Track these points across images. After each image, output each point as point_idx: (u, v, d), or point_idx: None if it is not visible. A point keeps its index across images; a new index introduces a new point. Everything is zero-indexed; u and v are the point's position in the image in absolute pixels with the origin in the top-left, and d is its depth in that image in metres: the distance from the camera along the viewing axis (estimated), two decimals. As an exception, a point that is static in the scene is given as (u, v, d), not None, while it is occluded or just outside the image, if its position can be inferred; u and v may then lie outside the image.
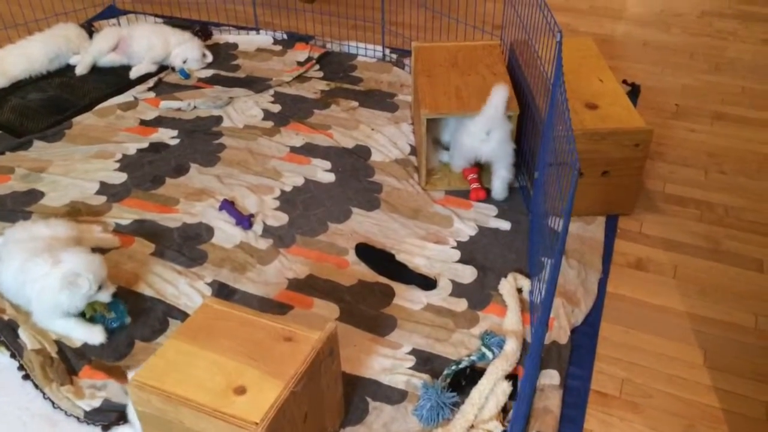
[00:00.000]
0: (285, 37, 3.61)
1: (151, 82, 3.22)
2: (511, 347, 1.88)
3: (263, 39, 3.61)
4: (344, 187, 2.56)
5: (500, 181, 2.43)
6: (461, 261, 2.23)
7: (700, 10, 3.91)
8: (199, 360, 1.50)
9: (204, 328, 1.58)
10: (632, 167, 2.30)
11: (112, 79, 3.25)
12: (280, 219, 2.41)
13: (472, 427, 1.71)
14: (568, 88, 2.37)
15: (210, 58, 3.39)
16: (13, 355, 1.90)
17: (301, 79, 3.26)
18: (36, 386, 1.82)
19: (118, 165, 2.68)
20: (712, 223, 2.40)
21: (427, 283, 2.14)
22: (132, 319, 2.02)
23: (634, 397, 1.83)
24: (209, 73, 3.31)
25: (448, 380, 1.81)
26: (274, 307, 2.07)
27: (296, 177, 2.61)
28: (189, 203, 2.48)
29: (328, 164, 2.68)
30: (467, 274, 2.18)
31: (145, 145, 2.79)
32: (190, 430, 1.43)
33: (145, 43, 3.29)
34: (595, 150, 2.24)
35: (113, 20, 3.74)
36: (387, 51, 3.43)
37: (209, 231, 2.35)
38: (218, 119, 2.96)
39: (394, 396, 1.81)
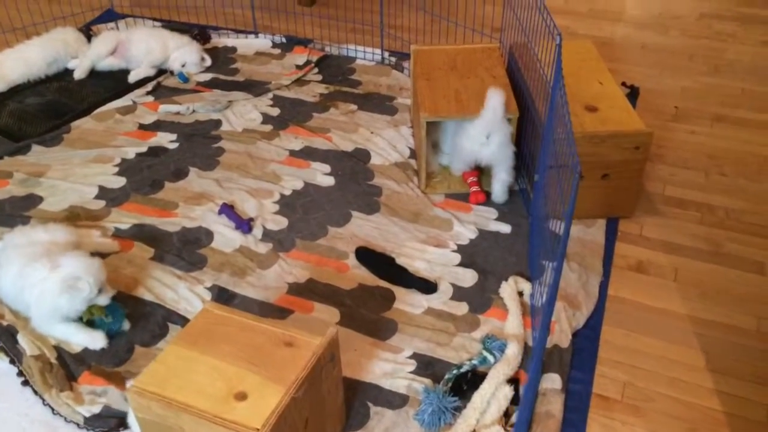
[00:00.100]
0: (284, 40, 3.61)
1: (149, 86, 3.21)
2: (513, 351, 1.88)
3: (262, 42, 3.61)
4: (344, 190, 2.55)
5: (500, 184, 2.42)
6: (462, 264, 2.23)
7: (698, 13, 3.91)
8: (200, 366, 1.49)
9: (204, 334, 1.57)
10: (632, 170, 2.29)
11: (111, 84, 3.24)
12: (279, 223, 2.40)
13: (474, 431, 1.71)
14: (567, 91, 2.37)
15: (209, 61, 3.38)
16: (12, 361, 1.89)
17: (300, 82, 3.25)
18: (35, 392, 1.81)
19: (117, 169, 2.67)
20: (713, 226, 2.39)
21: (428, 286, 2.13)
22: (131, 324, 2.01)
23: (635, 401, 1.82)
24: (208, 76, 3.31)
25: (450, 384, 1.80)
26: (275, 312, 2.07)
27: (296, 181, 2.60)
28: (188, 207, 2.47)
29: (327, 168, 2.67)
30: (468, 277, 2.18)
31: (144, 149, 2.78)
32: (191, 437, 1.42)
33: (143, 47, 3.29)
34: (595, 153, 2.24)
35: (111, 24, 3.74)
36: (386, 54, 3.43)
37: (209, 235, 2.35)
38: (217, 123, 2.96)
39: (395, 401, 1.80)
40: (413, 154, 2.74)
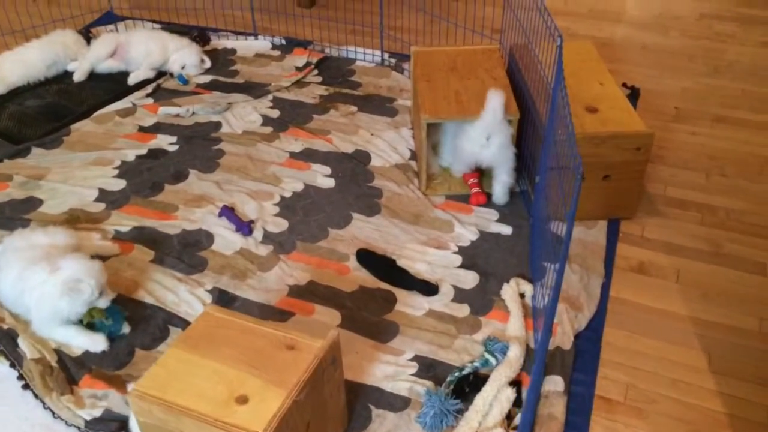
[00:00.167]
0: (283, 42, 3.61)
1: (149, 89, 3.21)
2: (515, 353, 1.87)
3: (261, 44, 3.60)
4: (344, 192, 2.55)
5: (501, 185, 2.42)
6: (463, 266, 2.22)
7: (698, 13, 3.91)
8: (201, 369, 1.48)
9: (205, 337, 1.56)
10: (633, 171, 2.29)
11: (110, 86, 3.24)
12: (280, 225, 2.40)
13: (476, 434, 1.70)
14: (568, 92, 2.37)
15: (208, 63, 3.38)
16: (12, 365, 1.89)
17: (299, 84, 3.25)
18: (36, 396, 1.80)
19: (116, 172, 2.66)
20: (714, 227, 2.39)
21: (429, 288, 2.13)
22: (132, 327, 2.00)
23: (638, 403, 1.82)
24: (208, 78, 3.30)
25: (452, 387, 1.79)
26: (275, 314, 2.06)
27: (296, 183, 2.60)
28: (188, 210, 2.46)
29: (327, 169, 2.67)
30: (469, 279, 2.17)
31: (143, 151, 2.78)
32: (192, 440, 1.42)
33: (143, 49, 3.28)
34: (596, 154, 2.23)
35: (111, 26, 3.73)
36: (386, 55, 3.42)
37: (209, 237, 2.34)
38: (217, 125, 2.95)
39: (397, 403, 1.80)
40: (414, 155, 2.74)
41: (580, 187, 1.51)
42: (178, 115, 3.00)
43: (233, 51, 3.56)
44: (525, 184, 2.53)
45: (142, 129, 2.92)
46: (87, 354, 1.93)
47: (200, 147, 2.80)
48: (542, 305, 1.95)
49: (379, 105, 3.07)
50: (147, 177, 2.63)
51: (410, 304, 2.09)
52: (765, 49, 3.51)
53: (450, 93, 2.47)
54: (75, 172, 2.66)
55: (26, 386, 1.83)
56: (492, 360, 1.86)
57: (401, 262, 2.23)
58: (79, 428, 1.73)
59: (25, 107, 3.06)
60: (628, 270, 2.23)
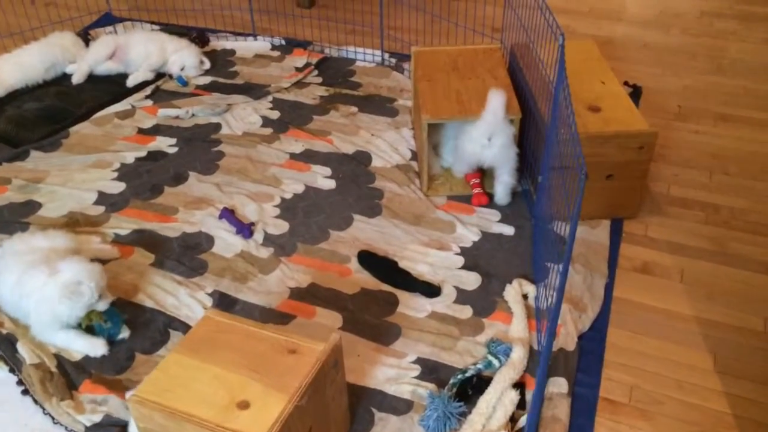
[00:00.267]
0: (283, 42, 3.59)
1: (148, 90, 3.19)
2: (518, 355, 1.86)
3: (261, 45, 3.59)
4: (345, 193, 2.53)
5: (503, 186, 2.40)
6: (465, 267, 2.20)
7: (699, 11, 3.89)
8: (202, 374, 1.47)
9: (206, 341, 1.55)
10: (636, 170, 2.27)
11: (109, 88, 3.22)
12: (280, 227, 2.38)
13: (479, 437, 1.69)
14: (569, 91, 2.35)
15: (207, 65, 3.37)
16: (12, 370, 1.87)
17: (299, 85, 3.23)
18: (35, 401, 1.79)
19: (116, 174, 2.65)
20: (718, 226, 2.37)
21: (431, 290, 2.11)
22: (132, 331, 1.99)
23: (643, 404, 1.80)
24: (207, 80, 3.29)
25: (455, 389, 1.78)
26: (276, 317, 2.05)
27: (296, 184, 2.58)
28: (188, 212, 2.45)
29: (328, 170, 2.65)
30: (471, 280, 2.16)
31: (143, 153, 2.76)
32: (193, 446, 1.40)
33: (142, 50, 3.27)
34: (598, 153, 2.22)
35: (109, 28, 3.72)
36: (386, 55, 3.41)
37: (209, 240, 2.33)
38: (217, 127, 2.93)
39: (399, 406, 1.78)
40: (414, 156, 2.72)
41: (584, 188, 1.49)
42: (177, 117, 2.99)
43: (232, 52, 3.54)
44: (527, 184, 2.51)
45: (141, 131, 2.91)
46: (87, 359, 1.91)
47: (200, 149, 2.79)
48: (545, 306, 1.94)
49: (380, 105, 3.05)
50: (146, 179, 2.62)
51: (412, 306, 2.07)
52: (767, 46, 3.49)
53: (451, 93, 2.46)
54: (74, 175, 2.64)
55: (26, 392, 1.82)
56: (495, 362, 1.85)
57: (403, 264, 2.21)
58: (79, 434, 1.72)
59: (23, 110, 3.04)
60: (632, 270, 2.21)
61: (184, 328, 2.00)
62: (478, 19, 3.75)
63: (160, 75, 3.31)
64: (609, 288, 2.14)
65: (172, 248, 2.29)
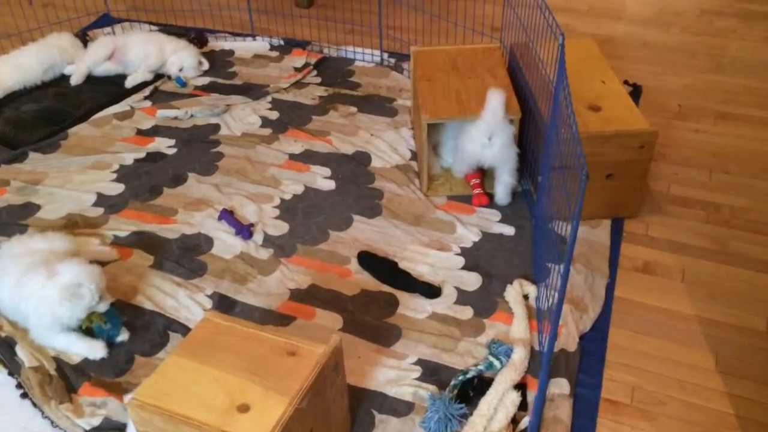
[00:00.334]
0: (281, 43, 3.58)
1: (147, 91, 3.18)
2: (519, 356, 1.85)
3: (260, 45, 3.58)
4: (344, 194, 2.52)
5: (504, 186, 2.39)
6: (465, 268, 2.20)
7: (699, 9, 3.88)
8: (201, 377, 1.46)
9: (205, 344, 1.54)
10: (637, 169, 2.26)
11: (108, 89, 3.21)
12: (280, 228, 2.37)
13: (481, 439, 1.68)
14: (570, 91, 2.34)
15: (206, 65, 3.35)
16: (10, 373, 1.87)
17: (298, 85, 3.22)
18: (34, 405, 1.78)
19: (115, 176, 2.64)
20: (719, 225, 2.37)
21: (432, 291, 2.10)
22: (131, 334, 1.98)
23: (645, 405, 1.79)
24: (206, 80, 3.28)
25: (456, 391, 1.77)
26: (276, 319, 2.04)
27: (296, 185, 2.57)
28: (187, 213, 2.44)
29: (327, 171, 2.64)
30: (472, 281, 2.15)
31: (142, 155, 2.75)
32: (193, 450, 1.39)
33: (140, 51, 3.26)
34: (599, 153, 2.21)
35: (108, 29, 3.71)
36: (385, 55, 3.40)
37: (208, 241, 2.32)
38: (216, 127, 2.93)
39: (400, 408, 1.77)
40: (414, 156, 2.71)
41: (585, 188, 1.48)
42: (176, 118, 2.98)
43: (231, 52, 3.53)
44: (527, 184, 2.50)
45: (140, 132, 2.90)
46: (86, 361, 1.90)
47: (199, 150, 2.78)
48: (546, 307, 1.93)
49: (379, 105, 3.04)
50: (145, 181, 2.61)
51: (412, 307, 2.06)
52: (767, 45, 3.48)
53: (450, 93, 2.45)
54: (73, 177, 2.63)
55: (24, 395, 1.81)
56: (496, 363, 1.84)
57: (403, 264, 2.20)
58: (78, 437, 1.71)
59: (21, 111, 3.03)
60: (633, 270, 2.20)
61: (184, 330, 1.99)
62: (477, 18, 3.74)
63: (158, 76, 3.30)
64: (610, 288, 2.13)
65: (172, 250, 2.28)
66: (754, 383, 1.84)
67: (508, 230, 2.34)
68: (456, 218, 2.39)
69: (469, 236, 2.31)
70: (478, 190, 2.44)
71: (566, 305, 2.02)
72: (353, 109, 3.02)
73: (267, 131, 2.89)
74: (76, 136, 2.88)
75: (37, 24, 3.74)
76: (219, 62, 3.43)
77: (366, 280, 2.16)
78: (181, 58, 3.26)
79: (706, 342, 1.96)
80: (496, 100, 2.24)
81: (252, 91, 3.17)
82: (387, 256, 2.24)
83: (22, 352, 1.89)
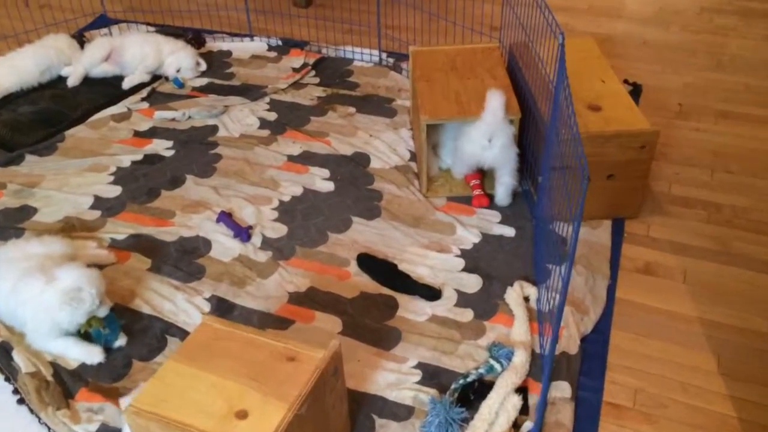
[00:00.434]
0: (279, 43, 3.56)
1: (144, 92, 3.17)
2: (520, 359, 1.83)
3: (257, 45, 3.56)
4: (343, 195, 2.51)
5: (504, 187, 2.37)
6: (466, 270, 2.18)
7: (699, 7, 3.87)
8: (199, 383, 1.44)
9: (203, 349, 1.52)
10: (638, 169, 2.25)
11: (105, 90, 3.19)
12: (279, 230, 2.36)
13: (482, 443, 1.66)
14: (570, 91, 2.33)
15: (204, 66, 3.34)
16: (7, 379, 1.85)
17: (296, 85, 3.21)
18: (31, 411, 1.76)
19: (112, 178, 2.62)
20: (720, 225, 2.35)
21: (432, 293, 2.09)
22: (129, 338, 1.96)
23: (647, 408, 1.78)
24: (203, 81, 3.26)
25: (456, 395, 1.76)
26: (275, 322, 2.02)
27: (294, 186, 2.55)
28: (185, 216, 2.42)
29: (326, 172, 2.63)
30: (472, 283, 2.13)
31: (139, 157, 2.73)
32: (191, 457, 1.38)
33: (137, 52, 3.24)
34: (599, 153, 2.19)
35: (105, 30, 3.69)
36: (384, 55, 3.38)
37: (207, 244, 2.30)
38: (213, 129, 2.91)
39: (400, 412, 1.76)
40: (413, 157, 2.70)
41: (586, 190, 1.46)
42: (174, 119, 2.96)
43: (229, 53, 3.52)
44: (527, 185, 2.49)
45: (137, 134, 2.88)
46: (83, 366, 1.89)
47: (197, 151, 2.76)
48: (547, 309, 1.91)
49: (378, 106, 3.03)
50: (143, 183, 2.59)
51: (412, 310, 2.05)
52: (767, 42, 3.46)
53: (450, 93, 2.43)
54: (70, 179, 2.61)
55: (21, 401, 1.79)
56: (497, 366, 1.83)
57: (402, 267, 2.19)
58: (75, 443, 1.69)
59: (18, 113, 3.01)
60: (634, 271, 2.19)
61: (182, 334, 1.98)
62: (476, 17, 3.72)
63: (156, 77, 3.28)
64: (611, 289, 2.11)
65: (169, 253, 2.27)
66: (756, 385, 1.83)
67: (509, 231, 2.32)
68: (456, 219, 2.37)
69: (469, 238, 2.30)
70: (478, 191, 2.43)
71: (567, 307, 2.01)
72: (352, 109, 3.00)
73: (265, 132, 2.87)
74: (73, 138, 2.87)
75: (33, 25, 3.72)
76: (216, 63, 3.41)
77: (365, 283, 2.15)
78: (178, 59, 3.24)
79: (708, 344, 1.95)
80: (496, 102, 2.23)
81: (250, 92, 3.15)
82: (386, 258, 2.23)
83: (18, 358, 1.88)
